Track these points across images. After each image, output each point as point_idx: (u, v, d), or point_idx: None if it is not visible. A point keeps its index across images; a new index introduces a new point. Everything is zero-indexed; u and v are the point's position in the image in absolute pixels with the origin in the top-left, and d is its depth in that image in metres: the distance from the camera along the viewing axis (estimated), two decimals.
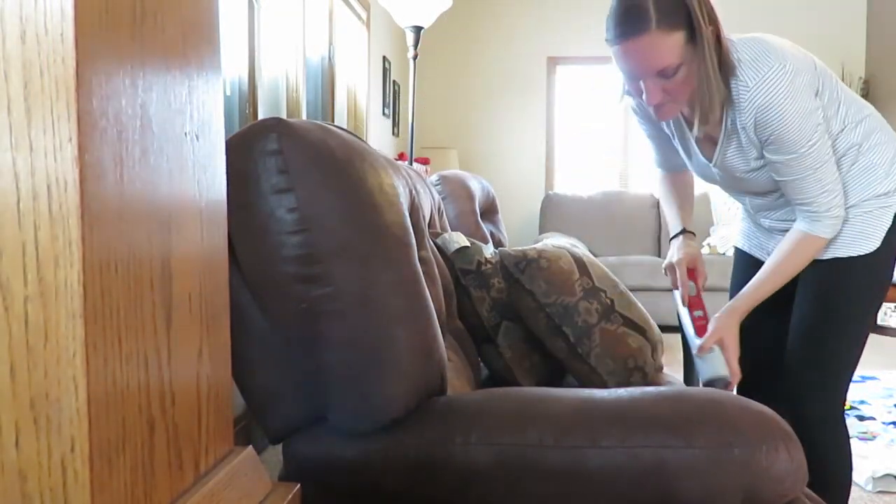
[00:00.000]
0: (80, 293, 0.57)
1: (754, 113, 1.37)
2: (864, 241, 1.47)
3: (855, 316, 1.50)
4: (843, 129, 1.47)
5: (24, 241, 0.57)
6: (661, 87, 1.34)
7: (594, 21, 5.67)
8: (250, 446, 0.88)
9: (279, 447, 2.00)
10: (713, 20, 1.31)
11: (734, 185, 1.61)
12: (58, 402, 0.58)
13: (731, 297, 1.66)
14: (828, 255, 1.50)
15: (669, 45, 1.27)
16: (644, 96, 1.36)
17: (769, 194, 1.57)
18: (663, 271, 1.73)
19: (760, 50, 1.35)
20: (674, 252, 1.70)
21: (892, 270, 1.50)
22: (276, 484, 0.90)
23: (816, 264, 1.51)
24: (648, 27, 1.26)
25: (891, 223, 1.46)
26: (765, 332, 1.66)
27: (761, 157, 1.46)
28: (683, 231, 1.73)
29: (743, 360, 1.51)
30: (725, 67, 1.35)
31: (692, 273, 1.66)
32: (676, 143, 1.67)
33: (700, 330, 1.54)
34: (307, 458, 1.06)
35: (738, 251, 1.81)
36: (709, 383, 1.49)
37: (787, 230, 1.56)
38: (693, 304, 1.60)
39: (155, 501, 0.68)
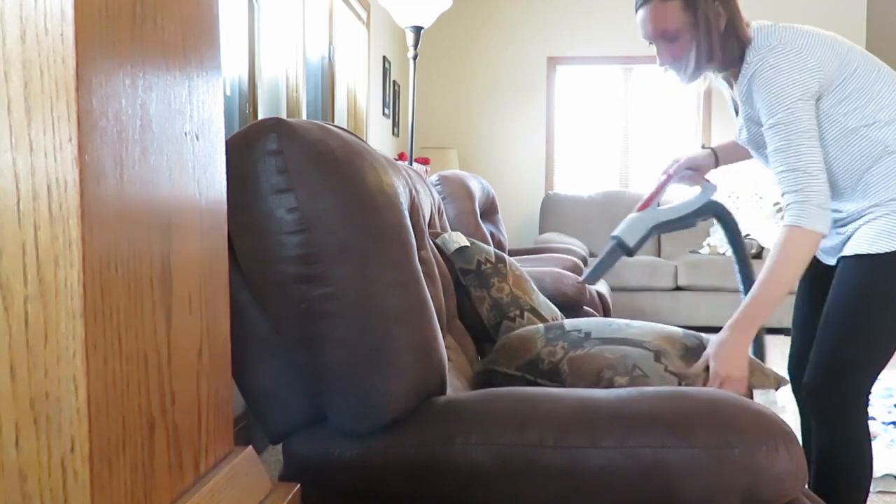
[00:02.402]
0: (80, 293, 0.57)
1: (748, 79, 1.50)
2: (886, 239, 1.44)
3: (881, 316, 1.47)
4: (870, 125, 1.46)
5: (24, 241, 0.57)
6: (668, 50, 1.55)
7: (594, 21, 5.67)
8: (250, 446, 0.88)
9: (279, 447, 2.00)
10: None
11: (763, 162, 1.65)
12: (58, 402, 0.58)
13: (796, 301, 1.74)
14: (857, 252, 1.48)
15: (667, 12, 1.49)
16: (657, 59, 1.58)
17: None
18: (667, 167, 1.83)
19: (778, 28, 1.49)
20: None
21: None
22: (276, 484, 0.90)
23: (848, 261, 1.50)
24: None
25: None
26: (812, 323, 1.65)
27: (762, 138, 1.52)
28: (708, 147, 1.84)
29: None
30: (735, 40, 1.51)
31: (668, 174, 1.81)
32: (733, 115, 1.74)
33: (640, 206, 1.77)
34: (307, 458, 1.06)
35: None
36: (615, 239, 1.67)
37: (837, 218, 1.56)
38: (654, 191, 1.81)
39: (155, 501, 0.68)
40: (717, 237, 5.07)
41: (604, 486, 0.94)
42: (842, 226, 1.55)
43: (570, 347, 1.48)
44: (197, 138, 0.76)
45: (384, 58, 4.72)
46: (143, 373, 0.65)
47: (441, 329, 1.46)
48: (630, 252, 1.68)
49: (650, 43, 1.57)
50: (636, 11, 1.56)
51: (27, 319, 0.58)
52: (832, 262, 1.60)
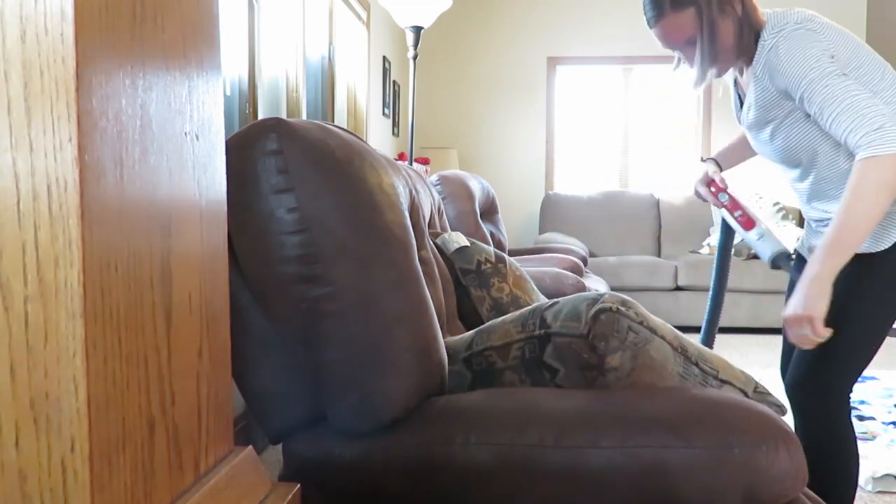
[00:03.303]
0: (80, 293, 0.57)
1: (765, 55, 1.49)
2: (869, 241, 1.45)
3: (866, 311, 1.48)
4: None
5: (24, 241, 0.57)
6: (691, 54, 1.56)
7: (594, 21, 5.67)
8: (250, 446, 0.88)
9: (279, 447, 2.00)
10: None
11: (761, 150, 1.66)
12: (58, 402, 0.58)
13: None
14: None
15: (683, 22, 1.50)
16: (687, 63, 1.59)
17: (798, 167, 1.60)
18: (695, 195, 1.83)
19: (793, 11, 1.49)
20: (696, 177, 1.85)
21: None
22: (276, 484, 0.90)
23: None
24: (664, 12, 1.51)
25: None
26: None
27: (768, 116, 1.54)
28: (708, 159, 1.85)
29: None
30: (749, 29, 1.52)
31: (714, 185, 1.77)
32: (736, 108, 1.74)
33: (747, 224, 1.70)
34: (307, 458, 1.06)
35: (797, 255, 1.77)
36: (775, 261, 1.57)
37: (822, 220, 1.57)
38: (731, 207, 1.74)
39: (155, 501, 0.68)
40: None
41: (604, 486, 0.94)
42: (828, 226, 1.54)
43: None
44: (197, 138, 0.76)
45: (384, 58, 4.72)
46: (143, 373, 0.65)
47: (441, 329, 1.46)
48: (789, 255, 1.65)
49: (674, 51, 1.59)
50: (650, 28, 1.55)
51: (27, 319, 0.58)
52: None
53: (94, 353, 0.58)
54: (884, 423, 2.79)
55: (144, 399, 0.66)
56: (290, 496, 0.87)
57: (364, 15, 4.16)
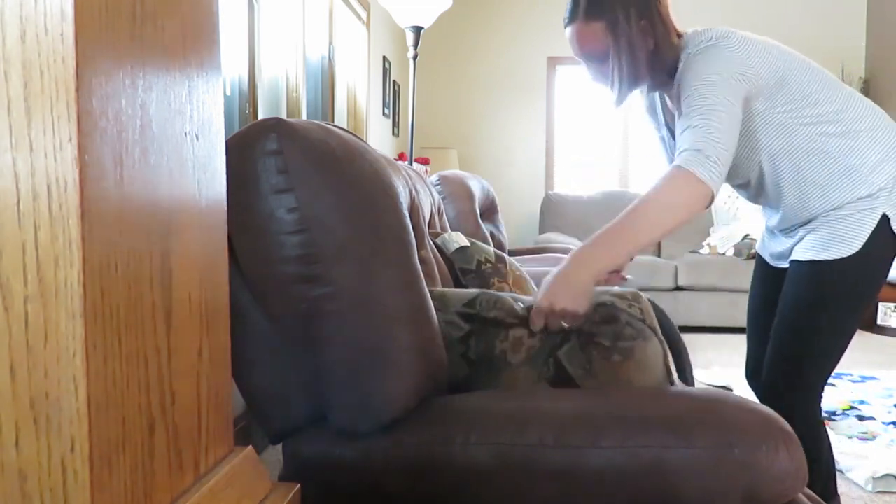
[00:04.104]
0: (80, 293, 0.57)
1: (678, 79, 1.47)
2: (842, 244, 1.45)
3: (833, 316, 1.49)
4: (813, 123, 1.46)
5: (24, 241, 0.57)
6: (596, 69, 1.53)
7: None
8: (250, 446, 0.88)
9: (279, 447, 2.00)
10: (645, 15, 1.46)
11: None
12: (58, 402, 0.58)
13: (750, 305, 1.77)
14: (806, 257, 1.50)
15: (592, 33, 1.46)
16: (593, 77, 1.55)
17: (747, 186, 1.60)
18: None
19: (710, 29, 1.46)
20: None
21: (878, 274, 1.48)
22: (276, 484, 0.90)
23: (799, 266, 1.52)
24: (577, 17, 1.48)
25: (875, 226, 1.44)
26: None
27: None
28: None
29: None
30: (664, 57, 1.49)
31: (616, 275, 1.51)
32: (660, 132, 1.73)
33: None
34: (307, 458, 1.06)
35: (757, 256, 1.82)
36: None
37: (784, 229, 1.60)
38: None
39: (155, 501, 0.68)
40: (717, 237, 5.07)
41: (604, 486, 0.94)
42: (792, 231, 1.57)
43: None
44: (197, 138, 0.76)
45: (384, 58, 4.72)
46: (143, 373, 0.65)
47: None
48: None
49: (581, 61, 1.54)
50: (564, 28, 1.52)
51: (27, 319, 0.58)
52: (783, 265, 1.63)
53: (94, 353, 0.58)
54: (884, 423, 2.79)
55: (144, 399, 0.66)
56: (290, 496, 0.87)
57: (364, 15, 4.16)
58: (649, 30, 1.46)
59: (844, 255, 1.45)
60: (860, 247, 1.44)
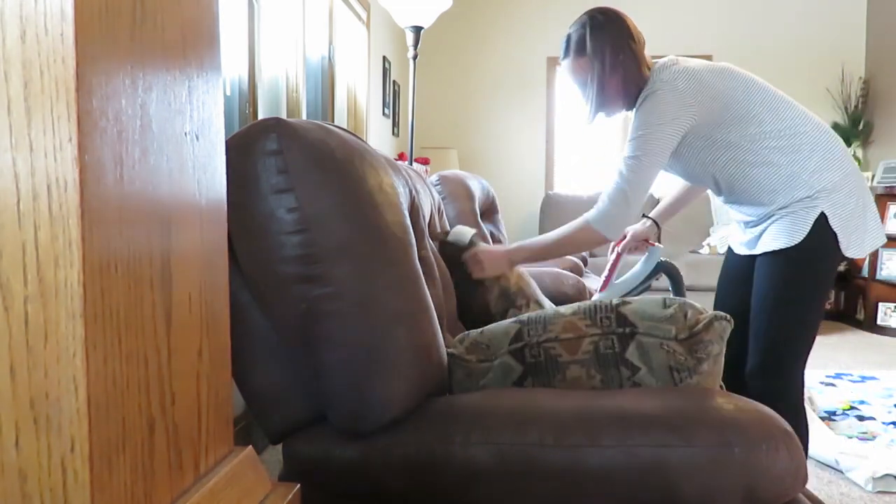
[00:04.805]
0: (80, 293, 0.57)
1: (636, 110, 1.78)
2: (787, 236, 1.73)
3: (791, 299, 1.75)
4: (758, 139, 1.74)
5: (24, 241, 0.57)
6: (582, 93, 1.87)
7: None
8: (250, 446, 0.88)
9: (279, 447, 2.00)
10: (620, 52, 1.79)
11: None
12: (58, 402, 0.58)
13: (718, 293, 2.03)
14: (760, 250, 1.80)
15: (578, 66, 1.84)
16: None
17: (716, 188, 1.87)
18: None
19: (668, 69, 1.75)
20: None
21: (829, 264, 1.75)
22: (276, 484, 0.90)
23: (763, 257, 1.79)
24: (568, 53, 1.85)
25: (816, 219, 1.71)
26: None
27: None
28: (645, 216, 2.20)
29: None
30: (633, 83, 1.81)
31: (619, 242, 2.16)
32: None
33: (605, 281, 2.16)
34: (307, 458, 1.06)
35: (728, 249, 2.09)
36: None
37: (747, 220, 1.86)
38: (612, 265, 2.17)
39: (155, 501, 0.68)
40: (716, 237, 5.07)
41: (604, 485, 0.94)
42: (753, 226, 1.85)
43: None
44: (197, 138, 0.76)
45: (384, 58, 4.72)
46: (143, 373, 0.65)
47: (441, 329, 1.46)
48: None
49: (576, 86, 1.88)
50: (560, 62, 1.88)
51: (27, 319, 0.58)
52: (747, 251, 1.89)
53: (94, 353, 0.58)
54: (884, 423, 2.79)
55: (144, 399, 0.66)
56: (290, 496, 0.87)
57: (364, 15, 4.16)
58: (621, 64, 1.79)
59: (790, 245, 1.73)
60: (803, 238, 1.72)
